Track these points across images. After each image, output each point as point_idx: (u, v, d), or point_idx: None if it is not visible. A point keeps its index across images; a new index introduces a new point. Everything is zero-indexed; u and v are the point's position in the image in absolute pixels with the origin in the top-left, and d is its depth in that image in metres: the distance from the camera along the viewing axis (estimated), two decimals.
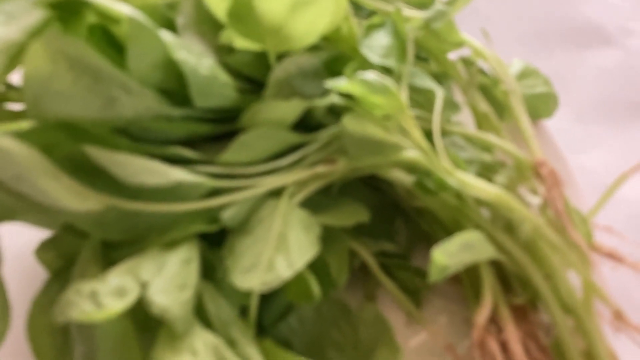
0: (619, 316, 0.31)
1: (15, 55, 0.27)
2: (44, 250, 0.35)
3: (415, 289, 0.36)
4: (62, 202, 0.27)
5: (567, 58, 0.54)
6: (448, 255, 0.29)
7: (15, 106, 0.34)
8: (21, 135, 0.27)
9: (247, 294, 0.31)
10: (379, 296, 0.37)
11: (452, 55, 0.41)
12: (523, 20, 0.57)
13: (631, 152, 0.47)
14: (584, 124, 0.49)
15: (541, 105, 0.43)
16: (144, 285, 0.27)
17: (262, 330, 0.33)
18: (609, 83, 0.53)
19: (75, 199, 0.27)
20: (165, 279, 0.28)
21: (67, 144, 0.28)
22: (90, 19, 0.30)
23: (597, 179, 0.40)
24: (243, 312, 0.31)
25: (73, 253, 0.32)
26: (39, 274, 0.35)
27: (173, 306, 0.27)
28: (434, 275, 0.29)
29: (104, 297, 0.26)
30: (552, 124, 0.45)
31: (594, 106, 0.51)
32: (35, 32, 0.27)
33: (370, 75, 0.31)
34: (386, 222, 0.39)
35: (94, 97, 0.28)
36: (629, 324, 0.31)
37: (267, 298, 0.33)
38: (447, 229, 0.35)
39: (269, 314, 0.34)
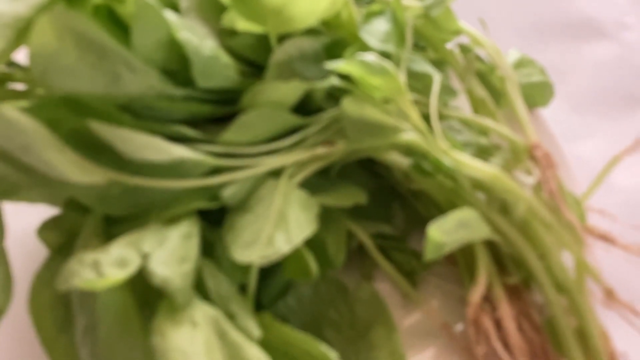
0: (610, 295, 0.31)
1: (22, 30, 0.28)
2: (46, 229, 0.35)
3: (412, 270, 0.37)
4: (66, 175, 0.27)
5: (563, 50, 0.55)
6: (444, 232, 0.30)
7: (19, 86, 0.34)
8: (28, 110, 0.27)
9: (246, 272, 0.31)
10: (375, 277, 0.38)
11: (450, 45, 0.42)
12: (520, 13, 0.58)
13: (625, 142, 0.47)
14: (579, 114, 0.50)
15: (537, 94, 0.44)
16: (145, 257, 0.27)
17: (260, 309, 0.34)
18: (604, 75, 0.54)
19: (80, 172, 0.28)
20: (166, 251, 0.28)
21: (71, 119, 0.29)
22: None
23: (591, 167, 0.41)
24: (242, 290, 0.32)
25: (75, 230, 0.33)
26: (39, 256, 0.36)
27: (174, 277, 0.27)
28: (430, 252, 0.30)
29: (106, 266, 0.26)
30: (548, 114, 0.46)
31: (589, 97, 0.52)
32: (43, 9, 0.28)
33: (369, 57, 0.31)
34: (383, 205, 0.39)
35: (98, 73, 0.28)
36: (620, 302, 0.31)
37: (265, 277, 0.34)
38: (444, 212, 0.35)
39: (267, 293, 0.35)
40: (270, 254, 0.29)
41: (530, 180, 0.33)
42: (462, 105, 0.39)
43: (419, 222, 0.39)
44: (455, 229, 0.30)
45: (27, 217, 0.36)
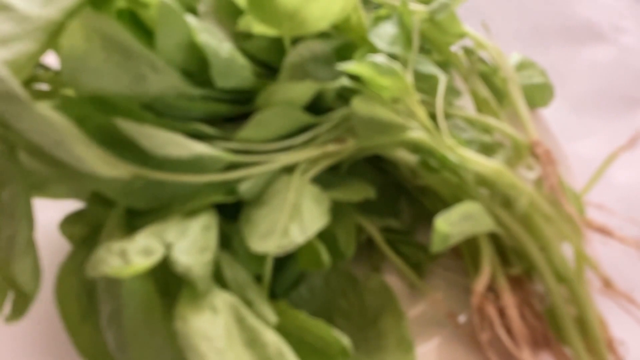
0: (608, 284, 0.33)
1: (53, 34, 0.29)
2: (68, 223, 0.37)
3: (418, 262, 0.38)
4: (94, 169, 0.29)
5: (563, 53, 0.57)
6: (450, 224, 0.31)
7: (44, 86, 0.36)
8: (57, 108, 0.29)
9: (261, 263, 0.33)
10: (383, 269, 0.39)
11: (454, 48, 0.43)
12: (520, 18, 0.59)
13: (622, 141, 0.49)
14: (578, 115, 0.52)
15: (538, 95, 0.46)
16: (168, 247, 0.29)
17: (274, 299, 0.35)
18: (602, 77, 0.55)
19: (106, 167, 0.29)
20: (188, 241, 0.30)
21: (98, 117, 0.30)
22: (120, 3, 0.33)
23: (590, 165, 0.42)
24: (257, 281, 0.33)
25: (98, 223, 0.34)
26: (58, 252, 0.37)
27: (195, 266, 0.29)
28: (437, 243, 0.31)
29: (132, 255, 0.28)
30: (548, 114, 0.47)
31: (588, 98, 0.53)
32: (72, 13, 0.30)
33: (379, 58, 0.33)
34: (391, 200, 0.41)
35: (124, 74, 0.30)
36: (617, 292, 0.33)
37: (278, 269, 0.35)
38: (449, 207, 0.37)
39: (281, 283, 0.36)
40: (286, 244, 0.31)
41: (531, 175, 0.34)
42: (466, 105, 0.41)
43: (425, 217, 0.40)
44: (461, 221, 0.32)
45: (46, 214, 0.38)
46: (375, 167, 0.41)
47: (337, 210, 0.35)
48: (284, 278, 0.36)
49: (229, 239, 0.34)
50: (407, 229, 0.40)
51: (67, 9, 0.30)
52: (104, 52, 0.29)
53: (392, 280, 0.38)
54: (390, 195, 0.40)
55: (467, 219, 0.32)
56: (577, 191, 0.37)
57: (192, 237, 0.30)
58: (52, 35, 0.30)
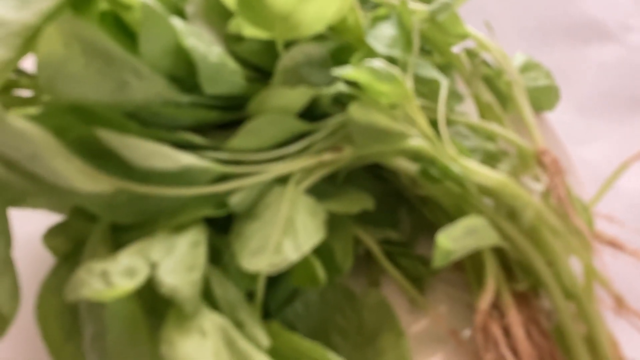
0: (619, 302, 0.31)
1: (30, 39, 0.28)
2: (51, 236, 0.35)
3: (419, 276, 0.37)
4: (73, 183, 0.27)
5: (569, 53, 0.55)
6: (452, 239, 0.29)
7: (26, 93, 0.34)
8: (34, 118, 0.27)
9: (253, 279, 0.31)
10: (382, 283, 0.38)
11: (456, 49, 0.41)
12: (525, 16, 0.57)
13: (631, 145, 0.47)
14: (585, 117, 0.50)
15: (543, 98, 0.44)
16: (153, 266, 0.27)
17: (267, 315, 0.34)
18: (610, 78, 0.53)
19: (87, 181, 0.28)
20: (175, 260, 0.28)
21: (79, 127, 0.29)
22: (102, 5, 0.31)
23: (597, 171, 0.41)
24: (249, 297, 0.32)
25: (81, 238, 0.33)
26: (45, 262, 0.36)
27: (182, 286, 0.27)
28: (438, 259, 0.30)
29: (114, 276, 0.26)
30: (554, 117, 0.46)
31: (594, 100, 0.51)
32: (49, 17, 0.28)
33: (377, 63, 0.31)
34: (390, 210, 0.39)
35: (105, 81, 0.28)
36: (629, 310, 0.31)
37: (272, 283, 0.34)
38: (451, 218, 0.35)
39: (275, 299, 0.35)
40: (279, 262, 0.29)
41: (538, 186, 0.32)
42: (468, 109, 0.39)
43: (426, 228, 0.39)
44: (464, 236, 0.30)
45: (34, 222, 0.36)
46: (373, 175, 0.39)
47: (334, 222, 0.34)
48: (278, 293, 0.34)
49: (220, 254, 0.33)
50: (407, 241, 0.39)
51: (44, 13, 0.28)
52: (84, 58, 0.28)
53: (392, 295, 0.36)
54: (389, 205, 0.39)
55: (471, 234, 0.30)
56: (585, 201, 0.35)
57: (179, 254, 0.29)
58: (29, 41, 0.28)
